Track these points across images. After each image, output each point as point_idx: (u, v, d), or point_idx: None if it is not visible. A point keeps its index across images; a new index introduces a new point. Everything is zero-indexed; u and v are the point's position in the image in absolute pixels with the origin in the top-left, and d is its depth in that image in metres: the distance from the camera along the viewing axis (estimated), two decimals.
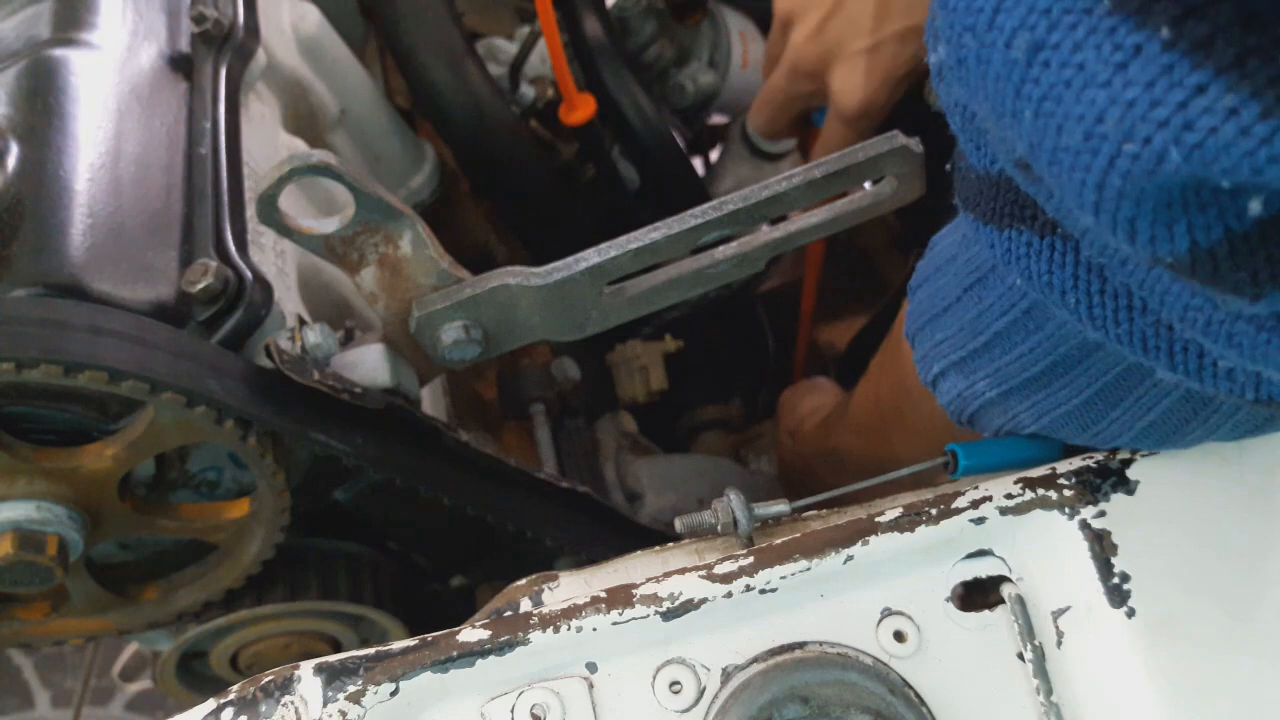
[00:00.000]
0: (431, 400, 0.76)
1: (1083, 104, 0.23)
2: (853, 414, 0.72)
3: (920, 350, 0.42)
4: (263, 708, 0.35)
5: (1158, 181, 0.22)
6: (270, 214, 0.50)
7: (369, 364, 0.57)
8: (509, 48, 0.98)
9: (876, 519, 0.37)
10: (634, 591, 0.36)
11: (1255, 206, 0.22)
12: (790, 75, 0.83)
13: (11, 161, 0.53)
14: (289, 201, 0.52)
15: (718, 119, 1.13)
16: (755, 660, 0.36)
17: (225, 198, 0.57)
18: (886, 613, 0.37)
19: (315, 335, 0.56)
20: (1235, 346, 0.26)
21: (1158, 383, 0.34)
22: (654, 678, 0.36)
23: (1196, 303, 0.27)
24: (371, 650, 0.35)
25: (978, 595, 0.38)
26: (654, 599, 0.36)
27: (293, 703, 0.35)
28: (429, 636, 0.36)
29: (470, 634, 0.35)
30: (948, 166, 0.37)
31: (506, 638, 0.35)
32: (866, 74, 0.76)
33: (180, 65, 0.63)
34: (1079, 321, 0.31)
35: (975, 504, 0.37)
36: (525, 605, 0.40)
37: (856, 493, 0.42)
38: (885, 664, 0.36)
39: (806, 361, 1.06)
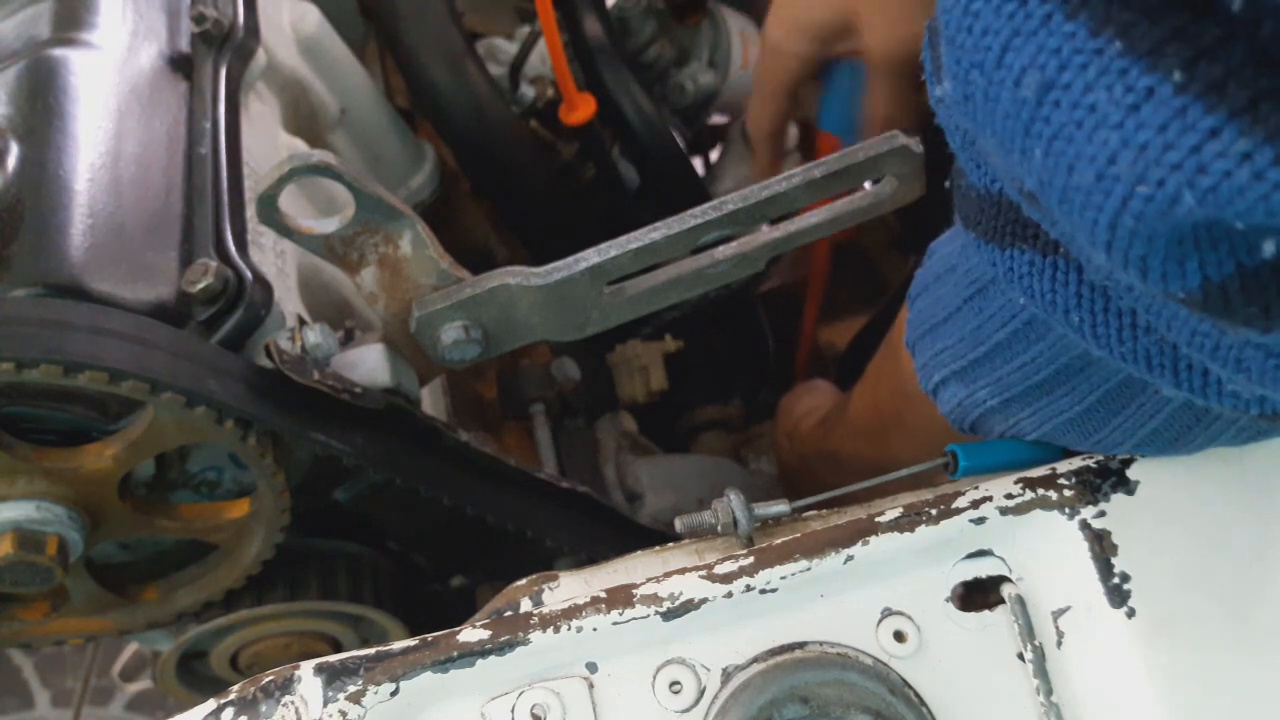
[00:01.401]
0: (431, 400, 0.76)
1: (1094, 145, 0.23)
2: (851, 417, 0.72)
3: (920, 359, 0.42)
4: (263, 708, 0.35)
5: (1170, 222, 0.22)
6: (270, 214, 0.50)
7: (369, 364, 0.56)
8: (509, 48, 0.98)
9: (876, 519, 0.37)
10: (634, 591, 0.36)
11: (1269, 247, 0.22)
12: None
13: (11, 161, 0.53)
14: (289, 201, 0.52)
15: (718, 119, 1.13)
16: (755, 660, 0.36)
17: (225, 198, 0.57)
18: (886, 613, 0.37)
19: (315, 335, 0.56)
20: (1244, 371, 0.26)
21: (1159, 390, 0.33)
22: (654, 678, 0.36)
23: (1204, 329, 0.26)
24: (372, 650, 0.35)
25: (978, 595, 0.38)
26: (654, 599, 0.36)
27: (293, 703, 0.35)
28: (429, 636, 0.36)
29: (470, 634, 0.35)
30: (946, 184, 0.37)
31: (506, 638, 0.35)
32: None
33: (180, 65, 0.63)
34: (1082, 339, 0.31)
35: (975, 504, 0.37)
36: (525, 605, 0.40)
37: (856, 493, 0.42)
38: (885, 664, 0.36)
39: (808, 362, 1.05)
